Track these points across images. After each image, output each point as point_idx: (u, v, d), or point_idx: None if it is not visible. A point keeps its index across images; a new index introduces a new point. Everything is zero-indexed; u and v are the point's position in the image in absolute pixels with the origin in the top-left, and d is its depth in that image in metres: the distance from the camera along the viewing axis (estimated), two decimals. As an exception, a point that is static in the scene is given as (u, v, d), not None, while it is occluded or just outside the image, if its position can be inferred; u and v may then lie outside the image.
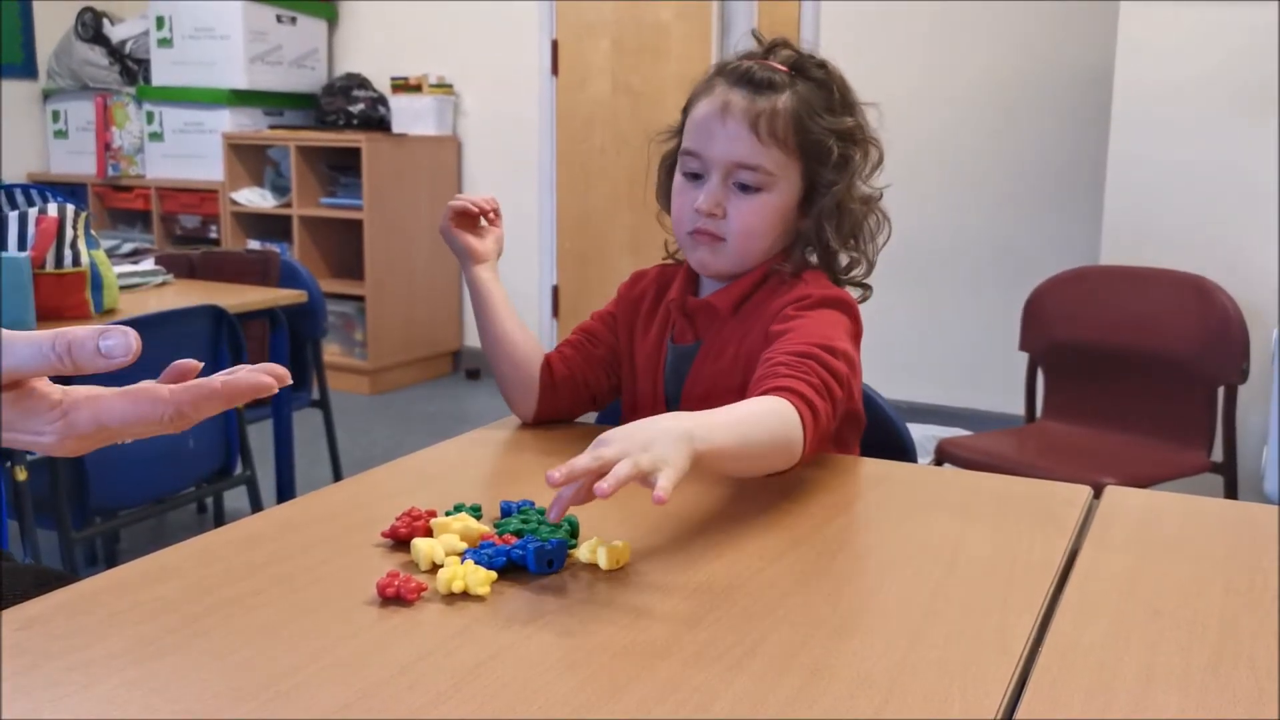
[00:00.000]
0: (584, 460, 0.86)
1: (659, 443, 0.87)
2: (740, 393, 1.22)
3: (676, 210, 1.27)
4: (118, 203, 5.18)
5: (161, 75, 4.97)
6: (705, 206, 1.22)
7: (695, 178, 1.25)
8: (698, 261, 1.28)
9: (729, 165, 1.22)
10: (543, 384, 1.32)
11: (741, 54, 1.28)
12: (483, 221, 1.35)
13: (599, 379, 1.36)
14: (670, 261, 1.39)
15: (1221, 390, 2.55)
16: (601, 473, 0.84)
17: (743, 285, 1.27)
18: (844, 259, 1.29)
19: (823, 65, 1.26)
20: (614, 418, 1.44)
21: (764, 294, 1.26)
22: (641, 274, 1.40)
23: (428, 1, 4.85)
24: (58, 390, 0.73)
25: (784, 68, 1.23)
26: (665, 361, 1.32)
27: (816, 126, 1.22)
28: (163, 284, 2.72)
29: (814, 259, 1.29)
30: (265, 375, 0.74)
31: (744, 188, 1.22)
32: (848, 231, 1.26)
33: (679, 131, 1.30)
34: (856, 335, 1.22)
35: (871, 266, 1.30)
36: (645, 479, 0.85)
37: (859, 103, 1.27)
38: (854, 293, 1.28)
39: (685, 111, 1.29)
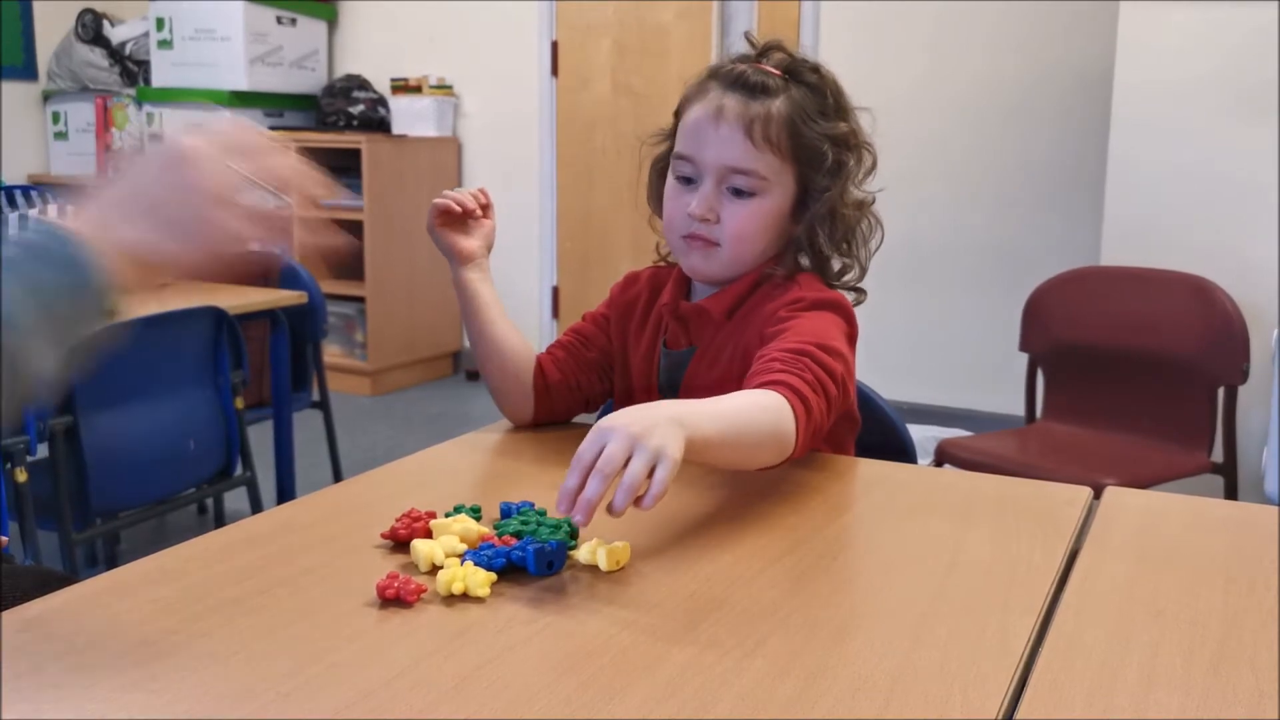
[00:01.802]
0: (589, 452, 0.88)
1: (658, 429, 0.89)
2: None
3: (669, 214, 1.26)
4: (118, 204, 5.18)
5: (162, 77, 4.97)
6: (699, 211, 1.21)
7: (688, 182, 1.24)
8: (690, 266, 1.27)
9: (722, 170, 1.21)
10: (536, 389, 1.31)
11: (734, 57, 1.27)
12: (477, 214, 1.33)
13: (592, 382, 1.35)
14: (662, 264, 1.39)
15: (1222, 391, 2.55)
16: (605, 469, 0.86)
17: (736, 290, 1.26)
18: (836, 263, 1.28)
19: (816, 69, 1.25)
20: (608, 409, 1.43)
21: (758, 298, 1.26)
22: (635, 276, 1.39)
23: (428, 2, 4.86)
24: None
25: (777, 71, 1.22)
26: (659, 366, 1.32)
27: (810, 131, 1.21)
28: (163, 285, 2.72)
29: (806, 262, 1.28)
30: None
31: (737, 192, 1.21)
32: (841, 236, 1.26)
33: (670, 135, 1.30)
34: (852, 337, 1.22)
35: (864, 271, 1.30)
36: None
37: (852, 107, 1.27)
38: (848, 296, 1.28)
39: (677, 114, 1.28)
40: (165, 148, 0.77)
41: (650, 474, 0.87)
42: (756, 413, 1.03)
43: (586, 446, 0.88)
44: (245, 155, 0.79)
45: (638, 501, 0.87)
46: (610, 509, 0.87)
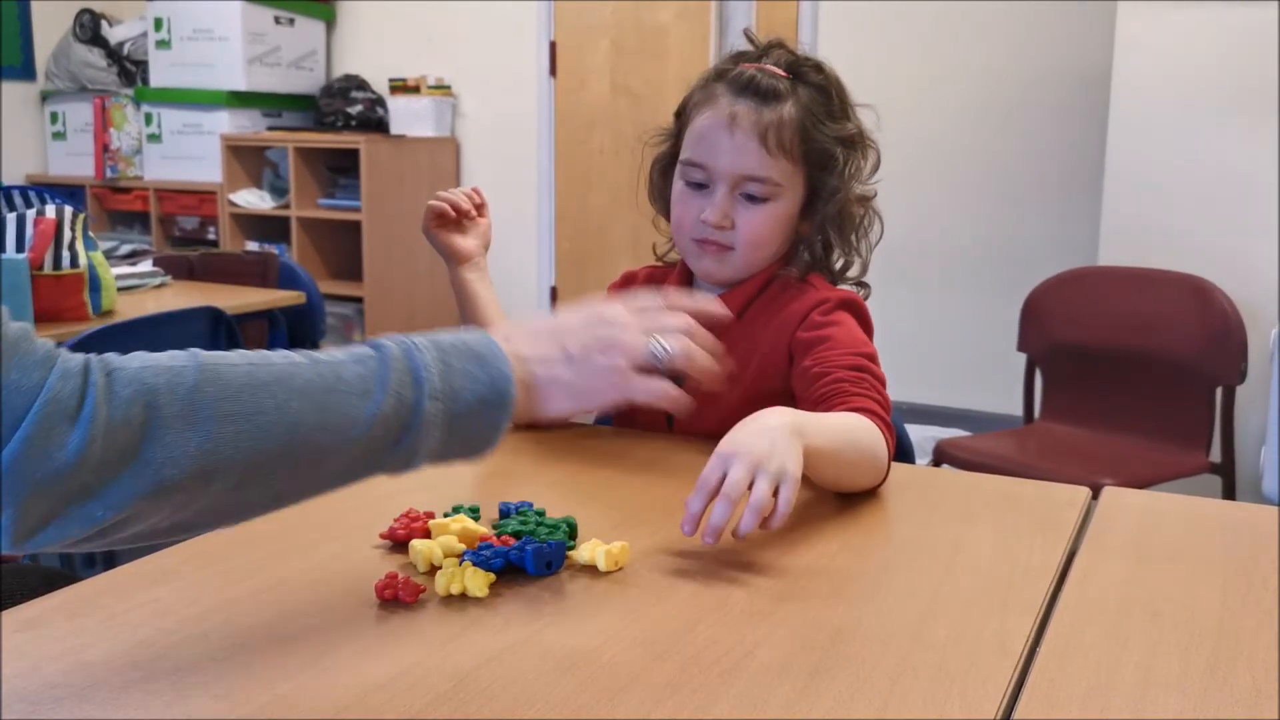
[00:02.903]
0: (714, 477, 0.90)
1: (778, 448, 0.91)
2: (745, 396, 1.23)
3: (678, 218, 1.26)
4: (116, 204, 5.18)
5: (160, 77, 4.97)
6: (714, 219, 1.21)
7: (699, 187, 1.24)
8: (703, 270, 1.27)
9: (737, 178, 1.21)
10: None
11: (735, 55, 1.27)
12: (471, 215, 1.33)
13: None
14: (660, 264, 1.39)
15: (1220, 391, 2.55)
16: (731, 494, 0.88)
17: (746, 290, 1.26)
18: (840, 259, 1.29)
19: (819, 67, 1.25)
20: (607, 418, 1.43)
21: (769, 298, 1.26)
22: (632, 275, 1.39)
23: (426, 2, 4.85)
24: None
25: (783, 73, 1.22)
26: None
27: (821, 135, 1.22)
28: (161, 285, 2.72)
29: (808, 258, 1.29)
30: None
31: (750, 197, 1.22)
32: (848, 233, 1.27)
33: (674, 135, 1.30)
34: (870, 335, 1.24)
35: (865, 265, 1.30)
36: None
37: (854, 105, 1.27)
38: (857, 292, 1.29)
39: (679, 115, 1.28)
40: (591, 309, 0.87)
41: (775, 493, 0.89)
42: (859, 433, 1.05)
43: (709, 472, 0.90)
44: (645, 315, 0.88)
45: (764, 523, 0.89)
46: (735, 533, 0.89)
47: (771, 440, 0.92)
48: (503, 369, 0.79)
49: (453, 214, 1.30)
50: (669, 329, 0.86)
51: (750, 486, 0.89)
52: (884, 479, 1.10)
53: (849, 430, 1.05)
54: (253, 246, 4.80)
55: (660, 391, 0.85)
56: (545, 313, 0.91)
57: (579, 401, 0.84)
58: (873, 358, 1.18)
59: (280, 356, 0.73)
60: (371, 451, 0.74)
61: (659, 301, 0.89)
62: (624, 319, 0.86)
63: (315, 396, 0.72)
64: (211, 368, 0.69)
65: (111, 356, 0.68)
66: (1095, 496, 1.10)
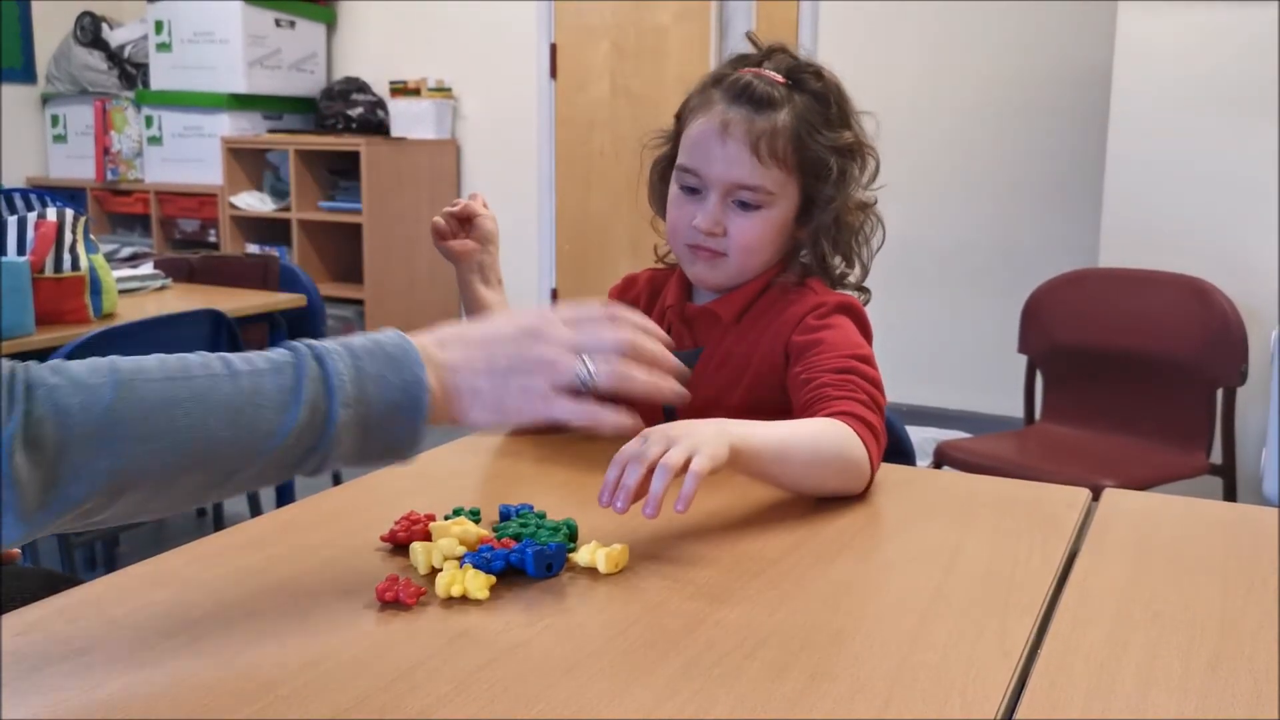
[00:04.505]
0: (630, 450, 0.92)
1: (699, 431, 0.93)
2: (744, 400, 1.23)
3: (673, 222, 1.27)
4: (117, 207, 5.19)
5: (160, 79, 4.97)
6: (705, 225, 1.22)
7: (692, 192, 1.24)
8: (696, 275, 1.27)
9: (729, 186, 1.21)
10: None
11: (735, 59, 1.27)
12: (481, 209, 1.33)
13: None
14: (661, 266, 1.39)
15: (1220, 392, 2.55)
16: (643, 457, 0.90)
17: (745, 294, 1.27)
18: (839, 265, 1.29)
19: (819, 74, 1.25)
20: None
21: (768, 302, 1.26)
22: (633, 279, 1.39)
23: (427, 4, 4.86)
24: None
25: (781, 79, 1.22)
26: (661, 366, 1.32)
27: (816, 144, 1.21)
28: (161, 288, 2.72)
29: (808, 262, 1.29)
30: None
31: (743, 205, 1.22)
32: (845, 240, 1.27)
33: (673, 138, 1.30)
34: (870, 339, 1.23)
35: (866, 270, 1.30)
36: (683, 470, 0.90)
37: (855, 110, 1.27)
38: (856, 296, 1.29)
39: (679, 119, 1.28)
40: (529, 320, 0.84)
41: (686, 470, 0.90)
42: (817, 435, 1.05)
43: (627, 446, 0.92)
44: (581, 328, 0.85)
45: (674, 503, 0.89)
46: (645, 505, 0.89)
47: (693, 427, 0.94)
48: (417, 373, 0.79)
49: (446, 228, 1.31)
50: (604, 348, 0.83)
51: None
52: (869, 482, 1.09)
53: (801, 434, 1.04)
54: (253, 249, 4.80)
55: (585, 415, 0.82)
56: (494, 316, 0.88)
57: (497, 415, 0.83)
58: (865, 359, 1.17)
59: (201, 367, 0.73)
60: (286, 460, 0.75)
61: (603, 314, 0.86)
62: (557, 336, 0.83)
63: (232, 413, 0.72)
64: (128, 384, 0.69)
65: (34, 369, 0.68)
66: (1095, 498, 1.10)
